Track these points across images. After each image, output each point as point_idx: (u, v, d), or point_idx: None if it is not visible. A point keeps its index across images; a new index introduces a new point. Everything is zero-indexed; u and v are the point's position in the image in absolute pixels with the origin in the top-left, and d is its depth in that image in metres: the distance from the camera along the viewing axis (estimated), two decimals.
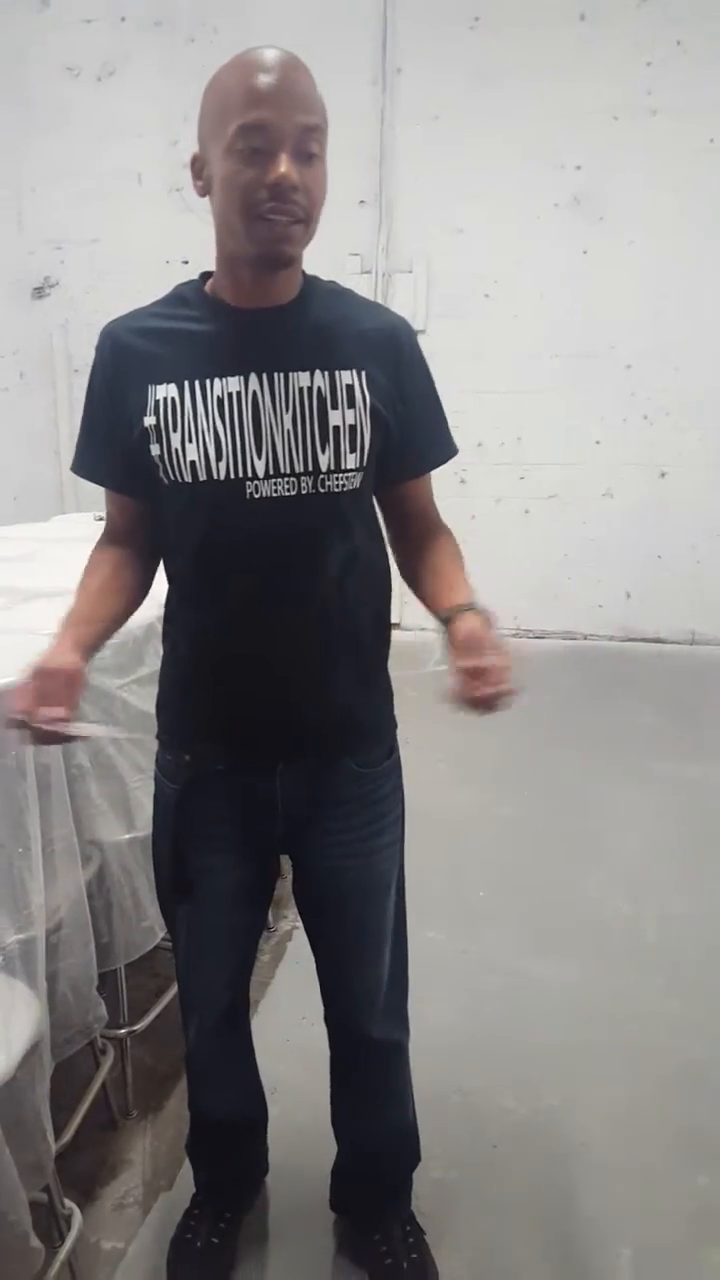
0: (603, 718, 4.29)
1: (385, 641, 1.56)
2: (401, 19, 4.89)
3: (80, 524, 3.18)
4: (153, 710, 2.06)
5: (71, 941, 1.82)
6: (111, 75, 5.20)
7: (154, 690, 2.07)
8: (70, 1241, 1.73)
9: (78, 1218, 1.78)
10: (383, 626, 1.54)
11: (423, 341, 1.46)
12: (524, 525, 5.29)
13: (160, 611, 2.10)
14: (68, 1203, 1.77)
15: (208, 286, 1.41)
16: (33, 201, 5.41)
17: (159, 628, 2.07)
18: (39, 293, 5.51)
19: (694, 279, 4.95)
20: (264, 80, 1.22)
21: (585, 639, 5.40)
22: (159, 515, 1.47)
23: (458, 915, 2.84)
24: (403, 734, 1.59)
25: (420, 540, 1.55)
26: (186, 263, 4.87)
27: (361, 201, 5.05)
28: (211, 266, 1.40)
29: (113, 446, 1.43)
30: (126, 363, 1.39)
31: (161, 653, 1.60)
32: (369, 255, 5.12)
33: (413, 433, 1.46)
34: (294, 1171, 1.94)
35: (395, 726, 1.61)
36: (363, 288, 5.17)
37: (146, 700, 2.04)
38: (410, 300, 5.08)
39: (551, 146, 4.92)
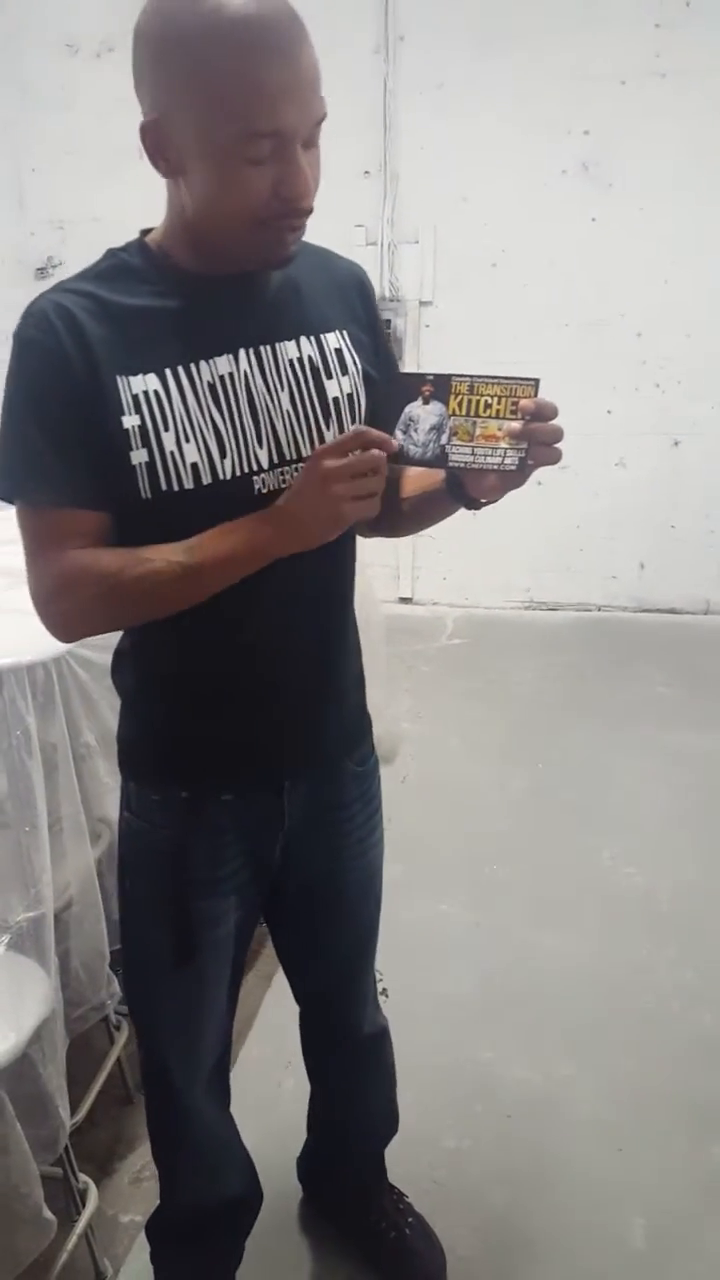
0: (617, 689, 4.27)
1: (356, 630, 1.42)
2: None
3: None
4: None
5: (82, 919, 1.84)
6: (111, 51, 5.14)
7: None
8: (87, 1214, 1.75)
9: (93, 1191, 1.81)
10: (353, 614, 1.40)
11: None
12: (536, 496, 5.18)
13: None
14: (83, 1177, 1.79)
15: (154, 247, 1.19)
16: (33, 181, 5.38)
17: None
18: (41, 273, 5.47)
19: (705, 245, 4.88)
20: (277, 76, 1.01)
21: (599, 610, 5.37)
22: (126, 536, 1.16)
23: (471, 888, 2.84)
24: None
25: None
26: None
27: (366, 172, 4.99)
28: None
29: (80, 453, 1.11)
30: (85, 348, 1.10)
31: (128, 685, 1.35)
32: (374, 227, 5.04)
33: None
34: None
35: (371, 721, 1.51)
36: (369, 260, 5.06)
37: None
38: (417, 271, 5.01)
39: (558, 112, 4.84)
